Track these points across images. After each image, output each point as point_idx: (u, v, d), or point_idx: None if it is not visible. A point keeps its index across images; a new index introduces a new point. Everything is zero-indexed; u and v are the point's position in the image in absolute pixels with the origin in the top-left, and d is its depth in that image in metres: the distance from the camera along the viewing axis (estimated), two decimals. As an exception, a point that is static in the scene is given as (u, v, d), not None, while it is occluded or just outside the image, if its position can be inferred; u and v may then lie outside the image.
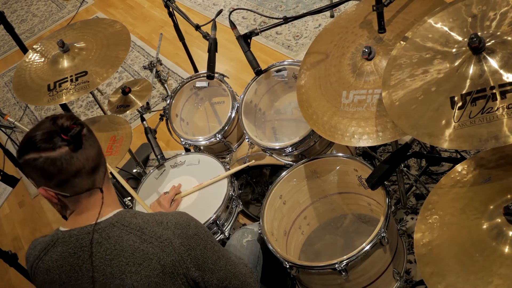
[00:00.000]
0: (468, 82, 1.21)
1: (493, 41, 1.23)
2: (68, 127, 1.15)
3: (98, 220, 1.21)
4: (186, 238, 1.22)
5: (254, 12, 1.95)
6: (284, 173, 1.86)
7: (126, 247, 1.18)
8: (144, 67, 2.42)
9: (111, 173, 1.91)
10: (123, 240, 1.19)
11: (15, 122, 2.06)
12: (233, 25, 1.89)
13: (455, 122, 1.18)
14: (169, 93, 2.29)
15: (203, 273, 1.24)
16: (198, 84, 2.28)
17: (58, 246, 1.22)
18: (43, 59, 2.24)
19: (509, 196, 1.17)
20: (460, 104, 1.20)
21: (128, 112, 2.26)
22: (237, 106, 2.08)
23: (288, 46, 3.47)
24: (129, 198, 1.99)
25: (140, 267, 1.18)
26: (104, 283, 1.19)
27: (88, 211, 1.22)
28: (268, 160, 2.07)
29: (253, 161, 2.06)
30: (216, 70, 1.99)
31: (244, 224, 2.38)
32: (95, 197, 1.23)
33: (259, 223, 1.76)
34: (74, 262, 1.20)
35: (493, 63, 1.20)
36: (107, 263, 1.18)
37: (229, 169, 1.95)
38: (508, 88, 1.15)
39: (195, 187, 1.92)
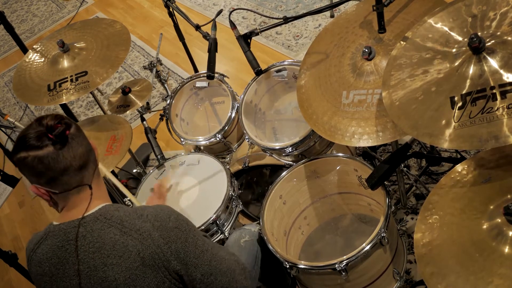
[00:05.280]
0: (468, 82, 1.21)
1: (493, 41, 1.23)
2: (53, 127, 1.18)
3: (85, 214, 1.23)
4: (166, 231, 1.23)
5: (254, 12, 1.95)
6: (284, 173, 1.86)
7: (107, 240, 1.20)
8: (144, 67, 2.42)
9: (104, 177, 1.92)
10: (105, 233, 1.21)
11: (15, 122, 2.05)
12: (233, 25, 1.89)
13: (455, 122, 1.18)
14: (169, 93, 2.28)
15: (186, 267, 1.24)
16: (198, 84, 2.28)
17: (48, 239, 1.25)
18: (43, 59, 2.24)
19: (509, 196, 1.17)
20: (460, 104, 1.20)
21: (128, 112, 2.26)
22: (237, 106, 2.08)
23: (288, 46, 3.47)
24: (129, 198, 1.98)
25: (120, 260, 1.19)
26: (88, 275, 1.21)
27: (77, 207, 1.25)
28: (268, 160, 2.07)
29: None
30: (216, 70, 1.98)
31: (244, 225, 2.38)
32: (84, 194, 1.26)
33: (257, 223, 1.76)
34: (62, 255, 1.22)
35: (493, 63, 1.20)
36: (91, 256, 1.20)
37: (229, 169, 1.95)
38: (508, 88, 1.15)
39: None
